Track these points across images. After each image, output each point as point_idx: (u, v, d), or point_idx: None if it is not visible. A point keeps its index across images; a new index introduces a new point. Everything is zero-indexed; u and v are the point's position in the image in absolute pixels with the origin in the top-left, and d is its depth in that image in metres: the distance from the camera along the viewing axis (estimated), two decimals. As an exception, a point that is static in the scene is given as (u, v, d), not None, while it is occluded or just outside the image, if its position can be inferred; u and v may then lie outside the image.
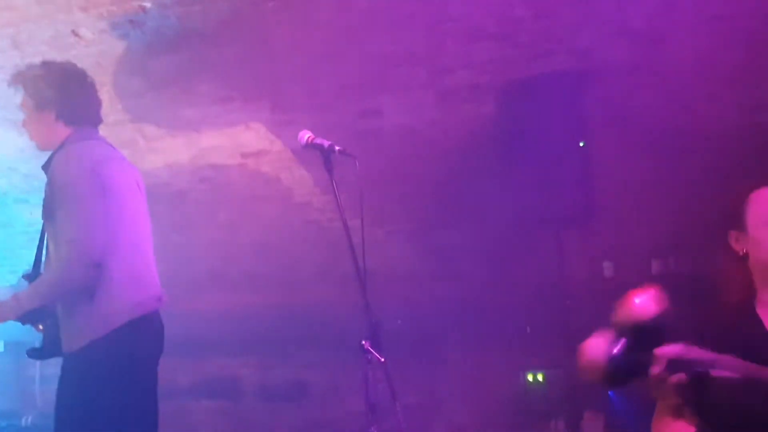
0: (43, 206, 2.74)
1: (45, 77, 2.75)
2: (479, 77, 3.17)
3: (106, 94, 3.64)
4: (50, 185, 2.67)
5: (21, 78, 2.75)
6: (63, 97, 2.77)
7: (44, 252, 2.82)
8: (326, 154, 2.64)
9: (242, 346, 4.47)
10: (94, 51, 3.40)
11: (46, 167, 2.79)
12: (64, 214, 2.58)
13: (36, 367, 4.97)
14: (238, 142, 3.92)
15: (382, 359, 2.36)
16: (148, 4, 3.07)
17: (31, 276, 2.81)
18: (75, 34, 3.31)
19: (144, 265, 2.92)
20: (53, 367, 4.74)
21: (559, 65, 3.07)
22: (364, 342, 2.44)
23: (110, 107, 3.80)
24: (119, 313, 2.73)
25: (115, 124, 3.90)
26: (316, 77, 3.43)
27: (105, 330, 2.68)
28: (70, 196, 2.59)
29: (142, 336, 2.83)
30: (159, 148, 3.99)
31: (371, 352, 2.40)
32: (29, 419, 4.67)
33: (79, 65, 3.36)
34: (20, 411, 4.78)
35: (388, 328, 2.57)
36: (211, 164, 4.06)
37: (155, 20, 3.17)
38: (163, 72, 3.48)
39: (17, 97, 2.84)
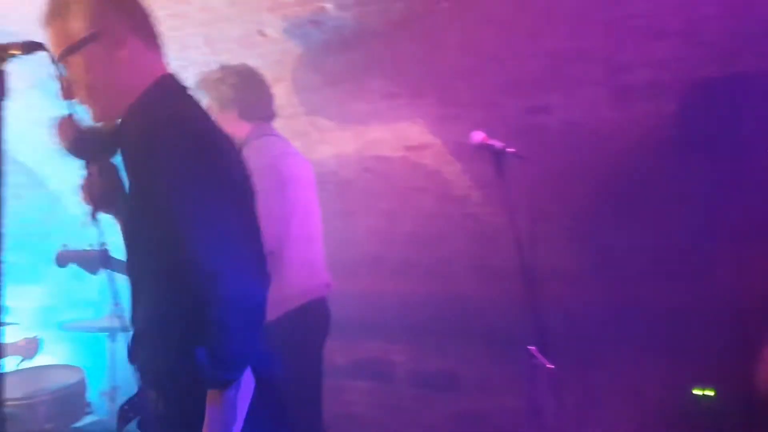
0: None
1: (224, 80, 3.01)
2: (660, 75, 3.04)
3: (284, 89, 3.86)
4: None
5: (204, 83, 3.03)
6: (242, 96, 3.02)
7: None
8: (498, 155, 2.67)
9: (396, 332, 4.60)
10: (277, 49, 3.60)
11: None
12: None
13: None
14: (402, 136, 4.02)
15: (551, 366, 2.38)
16: (329, 5, 3.20)
17: None
18: (261, 33, 3.52)
19: (314, 254, 3.12)
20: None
21: (747, 67, 2.88)
22: (530, 347, 2.46)
23: (288, 101, 4.02)
24: (292, 298, 2.94)
25: (290, 116, 4.12)
26: (484, 74, 3.43)
27: (278, 313, 2.90)
28: None
29: (312, 320, 3.03)
30: (329, 140, 4.17)
31: (539, 358, 2.42)
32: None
33: (263, 62, 3.60)
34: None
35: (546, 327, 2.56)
36: (376, 156, 4.18)
37: (334, 20, 3.30)
38: (338, 69, 3.63)
39: (203, 100, 3.13)
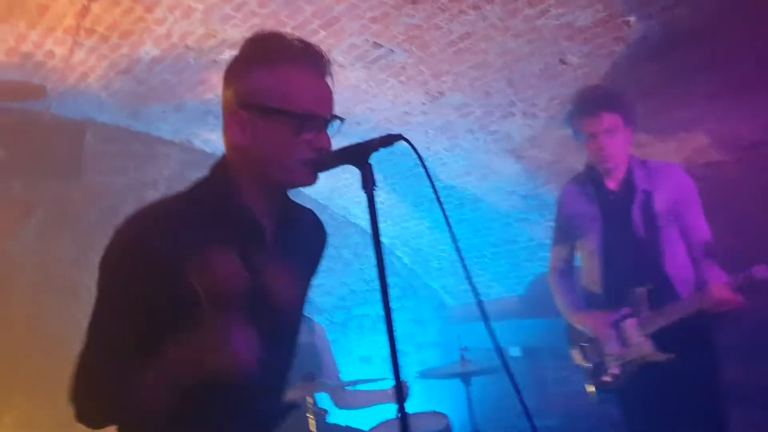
0: (641, 222, 2.82)
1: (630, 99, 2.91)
2: None
3: (594, 113, 3.73)
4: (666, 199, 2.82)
5: (611, 101, 2.85)
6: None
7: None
8: None
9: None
10: (580, 74, 3.50)
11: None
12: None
13: (549, 370, 5.34)
14: (734, 137, 3.62)
15: None
16: (632, 18, 3.03)
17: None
18: (562, 62, 3.45)
19: None
20: (565, 370, 4.99)
21: None
22: None
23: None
24: None
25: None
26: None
27: None
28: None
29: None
30: (649, 153, 3.90)
31: None
32: (554, 419, 5.00)
33: (567, 91, 3.53)
34: (540, 412, 5.16)
35: None
36: (706, 162, 3.82)
37: (639, 31, 3.11)
38: (649, 79, 3.40)
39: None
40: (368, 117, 4.12)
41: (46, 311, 3.72)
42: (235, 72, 1.53)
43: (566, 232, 3.09)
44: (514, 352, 5.57)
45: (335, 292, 5.58)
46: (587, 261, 3.01)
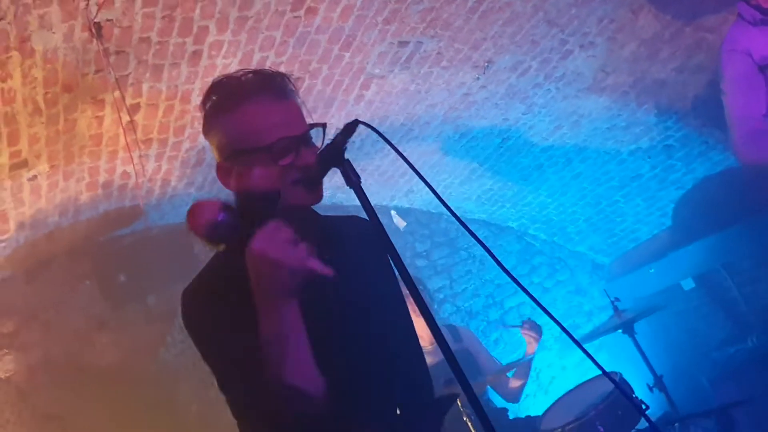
0: None
1: None
2: None
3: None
4: None
5: None
6: None
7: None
8: None
9: None
10: None
11: None
12: None
13: (732, 290, 4.90)
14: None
15: None
16: None
17: None
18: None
19: None
20: (748, 285, 4.54)
21: None
22: None
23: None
24: None
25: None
26: None
27: None
28: None
29: None
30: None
31: None
32: (753, 339, 4.59)
33: (610, 6, 3.31)
34: (739, 335, 4.74)
35: None
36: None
37: None
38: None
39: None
40: (433, 113, 4.08)
41: (212, 404, 3.95)
42: (205, 129, 1.59)
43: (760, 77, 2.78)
44: (687, 285, 5.18)
45: (481, 291, 5.49)
46: None
